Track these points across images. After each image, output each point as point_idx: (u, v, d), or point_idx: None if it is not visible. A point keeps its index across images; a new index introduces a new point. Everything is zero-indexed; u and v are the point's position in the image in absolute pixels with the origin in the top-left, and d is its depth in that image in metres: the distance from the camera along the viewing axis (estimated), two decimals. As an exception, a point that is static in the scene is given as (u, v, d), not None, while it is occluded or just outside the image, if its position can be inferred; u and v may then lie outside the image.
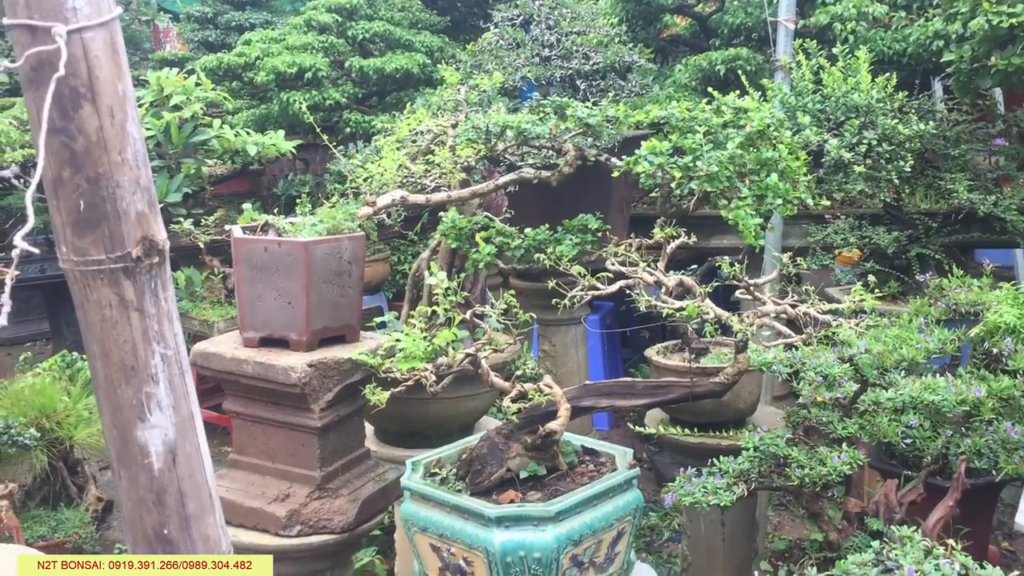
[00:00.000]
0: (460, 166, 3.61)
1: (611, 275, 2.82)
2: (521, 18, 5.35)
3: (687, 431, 3.80)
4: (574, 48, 5.25)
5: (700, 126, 2.79)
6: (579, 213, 3.20)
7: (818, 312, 2.54)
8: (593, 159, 3.14)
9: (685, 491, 3.12)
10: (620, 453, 2.91)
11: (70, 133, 1.37)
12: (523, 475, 2.72)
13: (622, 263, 2.82)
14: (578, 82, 5.25)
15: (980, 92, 5.71)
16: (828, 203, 3.99)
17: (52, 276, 7.55)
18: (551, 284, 2.81)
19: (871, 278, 2.95)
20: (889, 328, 3.76)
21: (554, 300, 2.73)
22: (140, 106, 6.59)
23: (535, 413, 2.74)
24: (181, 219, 5.89)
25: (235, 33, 9.34)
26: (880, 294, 3.05)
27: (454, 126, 3.89)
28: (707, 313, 2.53)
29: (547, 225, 3.16)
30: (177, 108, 6.58)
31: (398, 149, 4.04)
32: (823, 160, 3.84)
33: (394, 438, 3.89)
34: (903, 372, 3.26)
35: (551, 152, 3.29)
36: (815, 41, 4.51)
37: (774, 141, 2.83)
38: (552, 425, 2.67)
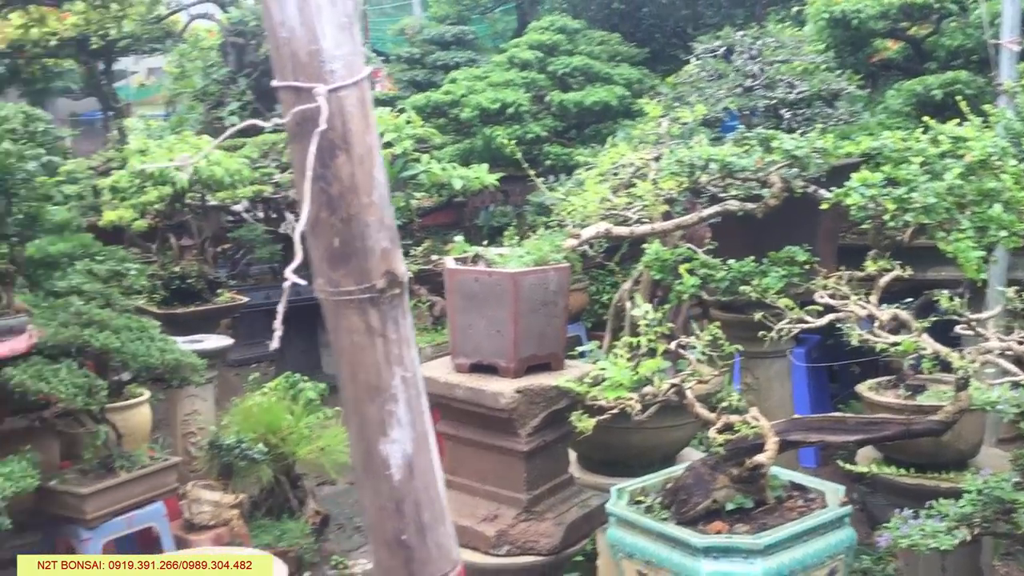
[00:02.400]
0: (662, 198, 3.66)
1: (820, 308, 2.79)
2: (723, 48, 5.35)
3: (902, 471, 3.66)
4: (778, 77, 5.19)
5: (915, 156, 2.72)
6: (784, 244, 3.18)
7: (1049, 349, 2.40)
8: (800, 191, 3.11)
9: (902, 533, 3.00)
10: (831, 490, 2.85)
11: (327, 179, 1.54)
12: (729, 507, 2.72)
13: (831, 296, 2.78)
14: (782, 111, 5.17)
15: None
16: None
17: (276, 303, 8.16)
18: (757, 316, 2.80)
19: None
20: None
21: (760, 333, 2.73)
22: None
23: (742, 445, 2.74)
24: (393, 250, 6.24)
25: (440, 72, 9.80)
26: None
27: (656, 159, 3.96)
28: (924, 349, 2.45)
29: (752, 257, 3.16)
30: (389, 145, 7.00)
31: (600, 182, 4.14)
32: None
33: (597, 466, 3.96)
34: None
35: (755, 184, 3.29)
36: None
37: (997, 170, 2.72)
38: (760, 458, 2.66)
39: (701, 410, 2.78)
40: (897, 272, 2.72)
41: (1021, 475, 3.03)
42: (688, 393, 2.79)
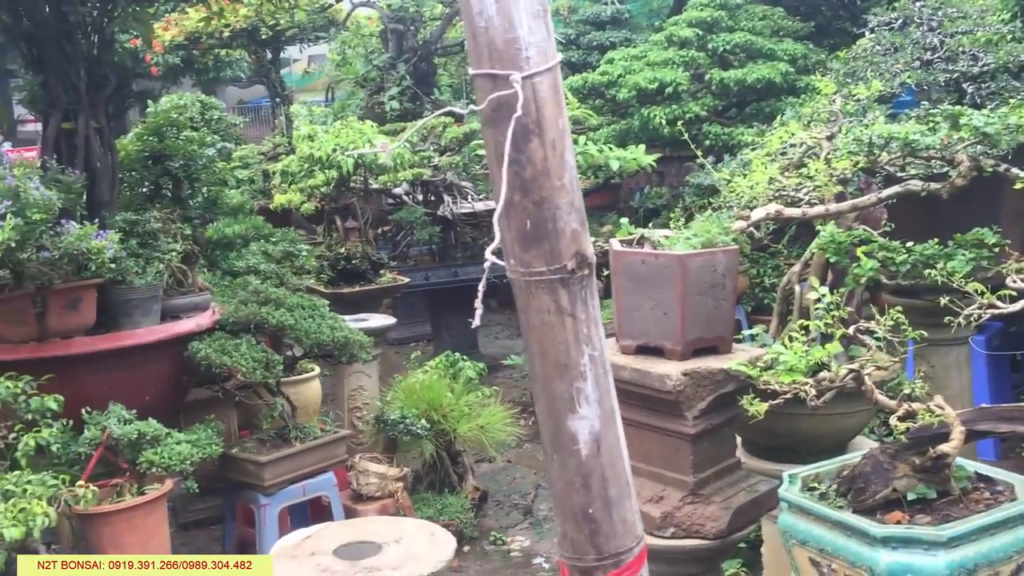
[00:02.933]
0: (836, 179, 3.56)
1: (1012, 293, 2.65)
2: (900, 20, 5.12)
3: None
4: (959, 49, 4.92)
5: None
6: (964, 226, 3.04)
7: None
8: (990, 170, 2.96)
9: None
10: (1020, 482, 2.71)
11: (521, 163, 1.58)
12: (910, 496, 2.63)
13: (1026, 280, 2.63)
14: (965, 85, 4.90)
15: None
16: None
17: (435, 283, 8.41)
18: (943, 301, 2.69)
19: None
20: None
21: (946, 318, 2.62)
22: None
23: (926, 434, 2.64)
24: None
25: (596, 52, 9.79)
26: None
27: (830, 138, 3.84)
28: None
29: (935, 239, 3.03)
30: (547, 128, 7.06)
31: (769, 162, 4.05)
32: None
33: (763, 451, 3.90)
34: None
35: (939, 162, 3.14)
36: None
37: None
38: (944, 447, 2.56)
39: (881, 397, 2.69)
40: (1102, 255, 2.55)
41: None
42: (867, 379, 2.70)
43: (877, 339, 2.71)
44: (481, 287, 1.51)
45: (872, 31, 5.16)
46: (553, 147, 1.59)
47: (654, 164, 7.16)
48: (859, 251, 3.05)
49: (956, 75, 4.85)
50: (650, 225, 4.86)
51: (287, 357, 5.26)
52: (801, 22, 8.71)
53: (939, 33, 4.91)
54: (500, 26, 1.55)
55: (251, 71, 12.05)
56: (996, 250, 2.87)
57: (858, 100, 4.25)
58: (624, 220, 3.92)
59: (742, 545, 4.19)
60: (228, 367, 4.71)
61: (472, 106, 1.64)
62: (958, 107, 3.04)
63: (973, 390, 5.35)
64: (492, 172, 1.59)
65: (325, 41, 12.68)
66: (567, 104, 7.14)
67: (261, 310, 5.03)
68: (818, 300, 2.78)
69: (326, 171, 7.08)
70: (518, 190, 1.59)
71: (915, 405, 2.62)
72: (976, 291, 2.62)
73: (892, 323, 2.68)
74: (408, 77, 9.98)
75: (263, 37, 10.60)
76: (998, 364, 5.72)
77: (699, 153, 5.32)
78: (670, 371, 3.28)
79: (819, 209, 3.27)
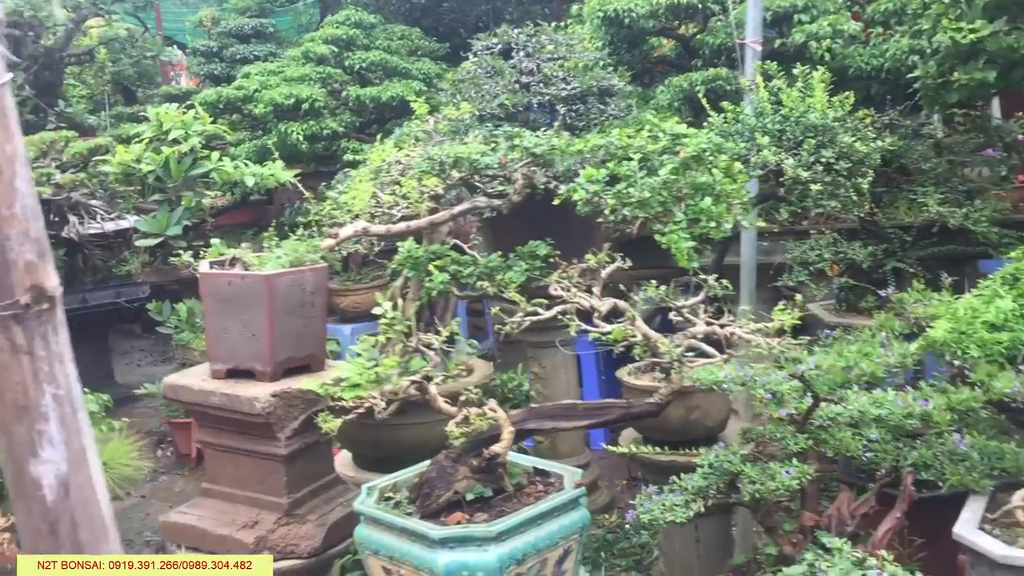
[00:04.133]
0: (427, 195, 3.71)
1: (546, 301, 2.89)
2: (499, 46, 5.45)
3: (658, 449, 3.85)
4: (553, 74, 5.34)
5: (635, 153, 2.87)
6: (564, 238, 3.26)
7: (745, 332, 2.59)
8: (542, 187, 3.21)
9: (644, 508, 3.17)
10: (569, 473, 2.96)
11: (-42, 191, 1.48)
12: (469, 497, 2.79)
13: (564, 288, 2.89)
14: (557, 107, 5.33)
15: (971, 104, 5.74)
16: (778, 222, 4.06)
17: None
18: (494, 310, 2.88)
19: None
20: (853, 343, 3.80)
21: (496, 327, 2.81)
22: (139, 141, 6.79)
23: (482, 436, 2.82)
24: (181, 251, 6.04)
25: (240, 65, 9.54)
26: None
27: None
28: (634, 336, 2.59)
29: (499, 252, 3.25)
30: (176, 142, 6.76)
31: (371, 179, 4.14)
32: (782, 180, 3.90)
33: (371, 463, 3.97)
34: (864, 386, 3.30)
35: (504, 180, 3.37)
36: (795, 61, 4.58)
37: (710, 165, 2.90)
38: (495, 448, 2.74)
39: (443, 404, 2.83)
40: (618, 264, 2.86)
41: (750, 448, 3.25)
42: (431, 388, 2.83)
43: (435, 349, 2.85)
44: None
45: (475, 55, 5.46)
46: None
47: (293, 180, 7.11)
48: (431, 265, 3.19)
49: (549, 98, 5.26)
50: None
51: None
52: (438, 43, 9.06)
53: (535, 59, 5.29)
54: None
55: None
56: (548, 261, 3.12)
57: (458, 120, 4.47)
58: (216, 241, 3.84)
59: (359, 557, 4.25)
60: None
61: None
62: (516, 129, 3.29)
63: (584, 386, 5.85)
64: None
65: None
66: (198, 119, 6.81)
67: None
68: (384, 315, 2.88)
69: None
70: (-42, 221, 1.48)
71: (473, 410, 2.79)
72: (514, 301, 2.83)
73: (448, 334, 2.83)
74: (28, 87, 9.14)
75: None
76: (607, 360, 6.27)
77: (332, 169, 5.34)
78: (259, 393, 3.25)
79: (401, 226, 3.38)
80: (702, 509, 3.15)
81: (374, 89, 7.88)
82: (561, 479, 2.97)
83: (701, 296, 2.77)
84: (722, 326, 2.66)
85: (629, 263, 2.85)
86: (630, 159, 2.86)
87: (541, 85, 5.33)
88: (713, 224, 2.79)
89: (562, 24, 7.07)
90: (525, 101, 5.23)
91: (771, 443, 3.29)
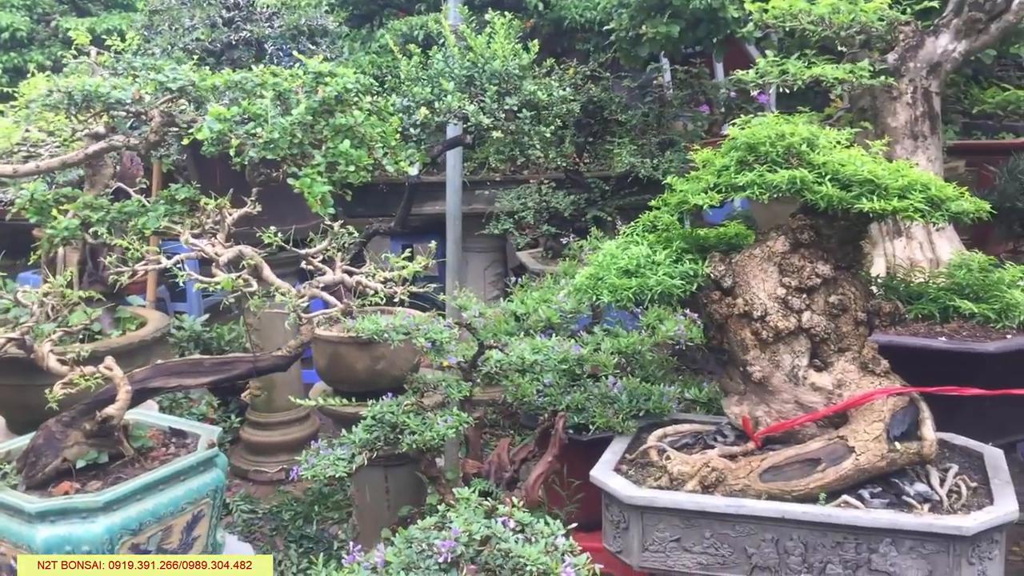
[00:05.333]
0: (88, 133, 3.36)
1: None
2: (200, -23, 5.07)
3: (345, 401, 3.73)
4: (259, 10, 5.03)
5: (268, 91, 2.68)
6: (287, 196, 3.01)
7: (374, 282, 2.49)
8: (185, 127, 2.96)
9: (308, 464, 3.05)
10: (206, 432, 2.78)
11: None
12: (80, 464, 2.55)
13: (196, 236, 2.68)
14: (266, 46, 5.04)
15: (689, 59, 5.91)
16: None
17: None
18: (110, 259, 2.64)
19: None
20: (536, 290, 3.82)
21: (111, 278, 2.57)
22: None
23: (102, 397, 2.58)
24: None
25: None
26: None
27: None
28: (251, 285, 2.43)
29: (155, 198, 2.98)
30: None
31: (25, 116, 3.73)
32: (467, 127, 3.84)
33: (24, 428, 3.62)
34: (546, 332, 3.34)
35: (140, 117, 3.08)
36: (509, 10, 4.52)
37: (353, 106, 2.75)
38: (110, 409, 2.51)
39: (52, 364, 2.57)
40: (247, 209, 2.67)
41: (415, 399, 3.19)
42: (37, 347, 2.56)
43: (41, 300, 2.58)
44: None
45: (170, -15, 5.06)
46: None
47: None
48: (54, 210, 2.89)
49: (255, 35, 4.95)
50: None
51: None
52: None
53: (240, -8, 4.96)
54: None
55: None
56: (191, 204, 2.88)
57: (116, 53, 4.07)
58: None
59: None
60: None
61: None
62: (161, 62, 3.01)
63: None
64: None
65: None
66: None
67: None
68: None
69: None
70: None
71: (86, 369, 2.54)
72: (126, 247, 2.60)
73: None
74: None
75: None
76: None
77: None
78: None
79: (30, 166, 3.03)
80: (366, 462, 3.07)
81: (89, 20, 7.21)
82: (198, 439, 2.78)
83: (325, 244, 2.63)
84: (350, 275, 2.54)
85: (259, 208, 2.66)
86: (263, 96, 2.67)
87: (244, 21, 5.02)
88: (352, 168, 2.66)
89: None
90: (225, 38, 4.90)
91: (437, 392, 3.25)
